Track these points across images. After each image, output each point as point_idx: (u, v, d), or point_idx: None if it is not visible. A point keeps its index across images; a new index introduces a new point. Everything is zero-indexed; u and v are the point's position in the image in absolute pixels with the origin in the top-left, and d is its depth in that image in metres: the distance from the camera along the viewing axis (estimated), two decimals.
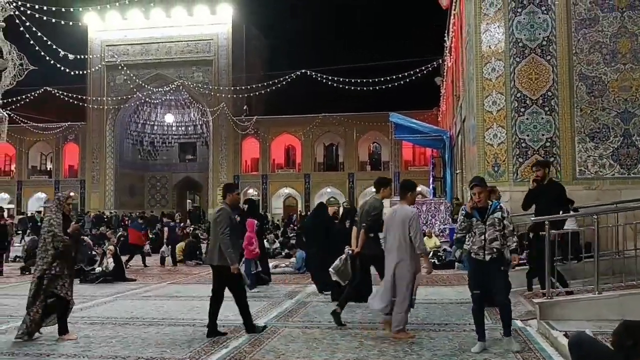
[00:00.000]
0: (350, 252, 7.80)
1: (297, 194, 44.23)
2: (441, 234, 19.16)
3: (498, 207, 5.94)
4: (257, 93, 35.64)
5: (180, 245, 17.30)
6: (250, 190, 44.15)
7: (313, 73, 29.71)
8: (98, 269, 12.67)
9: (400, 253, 6.46)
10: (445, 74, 28.65)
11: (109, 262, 12.62)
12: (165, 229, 19.09)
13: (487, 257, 5.78)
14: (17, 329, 6.62)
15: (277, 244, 18.53)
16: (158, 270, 15.04)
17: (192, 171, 48.19)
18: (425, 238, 12.25)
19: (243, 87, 38.32)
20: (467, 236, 6.05)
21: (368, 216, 7.41)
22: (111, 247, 13.09)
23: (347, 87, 29.73)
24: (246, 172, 43.97)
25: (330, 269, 7.93)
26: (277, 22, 49.57)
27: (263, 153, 43.39)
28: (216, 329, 6.73)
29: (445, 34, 25.16)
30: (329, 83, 29.59)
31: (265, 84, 34.31)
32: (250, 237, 10.55)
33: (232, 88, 39.87)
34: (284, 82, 31.85)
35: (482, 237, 5.80)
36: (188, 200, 50.94)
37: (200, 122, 46.77)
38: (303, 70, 29.87)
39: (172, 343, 6.36)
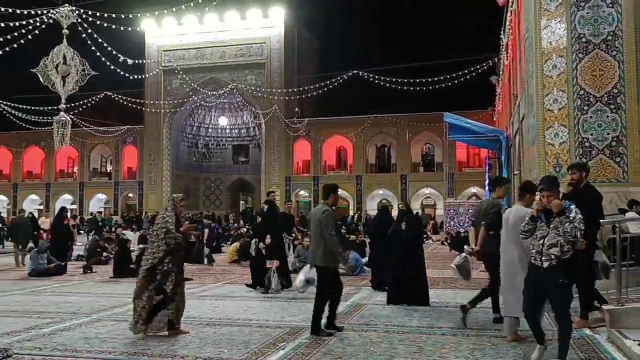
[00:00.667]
0: (470, 250, 7.80)
1: (348, 196, 44.07)
2: None
3: (568, 208, 5.34)
4: (308, 95, 35.76)
5: (235, 246, 17.52)
6: (302, 192, 44.37)
7: (365, 74, 29.56)
8: None
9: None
10: (501, 72, 27.92)
11: None
12: (206, 230, 19.37)
13: (545, 264, 5.27)
14: (131, 319, 6.85)
15: None
16: (197, 269, 15.10)
17: (245, 173, 48.83)
18: None
19: (295, 89, 38.56)
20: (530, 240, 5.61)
21: (486, 214, 7.34)
22: None
23: (399, 87, 29.42)
24: (297, 173, 44.17)
25: (451, 265, 7.91)
26: (329, 23, 49.59)
27: (314, 154, 43.48)
28: (320, 328, 6.79)
29: (502, 31, 24.51)
30: (381, 83, 29.36)
31: (316, 85, 34.38)
32: None
33: (284, 90, 40.14)
34: (336, 84, 31.83)
35: (542, 241, 5.33)
36: (241, 202, 51.67)
37: (252, 125, 47.37)
38: (355, 71, 29.75)
39: (229, 343, 6.38)
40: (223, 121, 48.40)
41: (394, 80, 29.13)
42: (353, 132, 42.20)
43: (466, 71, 27.50)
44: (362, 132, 41.93)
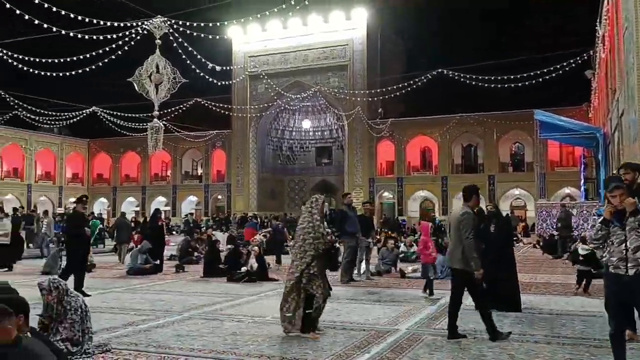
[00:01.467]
0: None
1: (433, 197, 43.28)
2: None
3: None
4: (392, 95, 35.44)
5: None
6: (386, 194, 44.03)
7: (450, 72, 28.88)
8: (243, 269, 13.26)
9: None
10: (597, 65, 26.36)
11: (254, 263, 13.17)
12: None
13: (632, 272, 4.63)
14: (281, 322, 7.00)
15: (414, 248, 18.17)
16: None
17: (328, 174, 49.18)
18: (579, 243, 11.35)
19: (378, 90, 38.36)
20: (605, 247, 4.95)
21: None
22: (255, 248, 13.63)
23: (485, 85, 28.48)
24: (381, 174, 43.90)
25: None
26: (412, 23, 48.92)
27: (398, 155, 43.04)
28: (456, 331, 6.68)
29: (597, 22, 23.13)
30: (467, 82, 28.55)
31: (400, 85, 34.02)
32: (425, 240, 10.42)
33: (367, 91, 40.05)
34: (420, 83, 31.32)
35: (622, 246, 4.70)
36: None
37: (335, 127, 47.64)
38: (439, 70, 29.14)
39: (314, 344, 6.39)
40: (306, 124, 49.04)
41: (480, 77, 28.24)
42: (438, 132, 41.39)
43: (558, 66, 26.15)
44: (447, 131, 41.04)
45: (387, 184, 43.58)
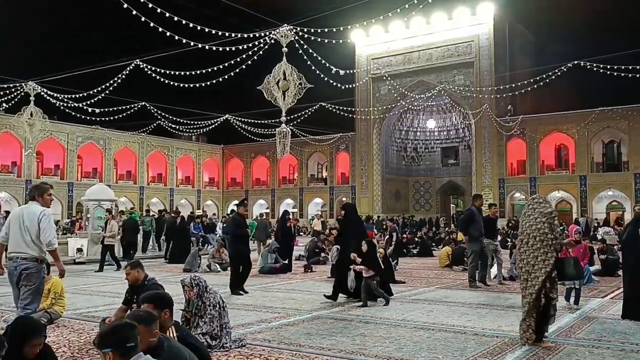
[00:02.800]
0: None
1: (570, 198, 40.48)
2: None
3: None
4: (522, 91, 33.70)
5: (447, 250, 17.21)
6: (517, 195, 41.95)
7: (587, 64, 26.84)
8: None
9: None
10: None
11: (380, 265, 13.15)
12: (394, 233, 19.38)
13: None
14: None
15: None
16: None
17: (455, 175, 47.91)
18: None
19: (506, 86, 36.69)
20: None
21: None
22: (381, 250, 13.61)
23: (629, 75, 26.10)
24: (511, 175, 41.89)
25: None
26: (543, 14, 46.24)
27: (530, 154, 40.81)
28: None
29: None
30: (607, 72, 26.35)
31: (531, 80, 32.24)
32: (584, 246, 9.95)
33: (495, 88, 38.45)
34: (553, 77, 29.44)
35: None
36: (452, 205, 50.78)
37: (461, 126, 46.31)
38: (575, 62, 27.19)
39: (444, 349, 6.24)
40: (431, 124, 48.19)
41: (623, 67, 25.94)
42: (575, 128, 38.70)
43: None
44: (585, 127, 38.24)
45: (519, 184, 41.49)
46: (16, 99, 28.41)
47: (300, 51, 21.93)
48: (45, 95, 27.63)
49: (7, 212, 16.37)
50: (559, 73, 28.65)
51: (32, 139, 30.07)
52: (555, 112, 39.75)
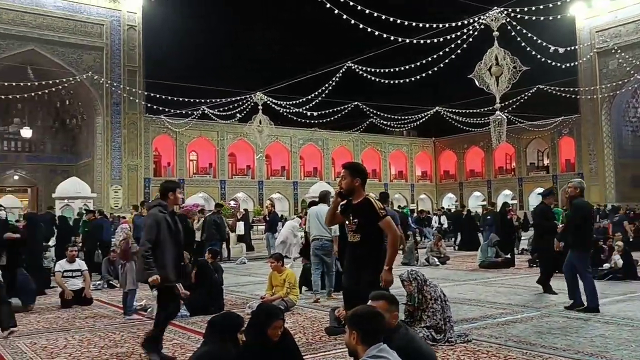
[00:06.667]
0: None
1: None
2: None
3: None
4: None
5: None
6: None
7: None
8: (606, 265, 12.06)
9: None
10: None
11: (617, 259, 11.82)
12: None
13: None
14: None
15: None
16: None
17: None
18: None
19: None
20: None
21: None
22: (619, 243, 12.22)
23: None
24: None
25: None
26: None
27: None
28: None
29: None
30: None
31: None
32: None
33: None
34: None
35: None
36: None
37: None
38: None
39: None
40: None
41: None
42: None
43: None
44: None
45: None
46: (247, 109, 31.84)
47: (513, 33, 20.78)
48: (270, 104, 30.47)
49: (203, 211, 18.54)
50: None
51: (261, 144, 33.25)
52: None
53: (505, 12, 19.49)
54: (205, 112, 34.10)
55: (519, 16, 19.75)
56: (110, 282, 12.03)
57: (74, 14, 35.46)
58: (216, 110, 33.84)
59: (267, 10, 69.80)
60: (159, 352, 5.77)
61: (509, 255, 14.96)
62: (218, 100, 33.43)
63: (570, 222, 8.49)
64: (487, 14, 19.51)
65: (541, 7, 20.56)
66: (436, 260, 15.69)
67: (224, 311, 7.27)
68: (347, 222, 5.65)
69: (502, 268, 14.16)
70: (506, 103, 27.91)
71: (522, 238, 21.01)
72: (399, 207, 33.04)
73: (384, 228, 5.28)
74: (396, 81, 25.28)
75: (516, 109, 33.22)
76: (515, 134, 42.86)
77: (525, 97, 32.55)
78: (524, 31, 21.36)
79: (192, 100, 31.67)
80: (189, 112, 35.39)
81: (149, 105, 34.65)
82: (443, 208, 39.55)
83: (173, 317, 6.33)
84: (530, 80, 28.63)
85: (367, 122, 40.11)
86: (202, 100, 32.72)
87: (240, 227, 21.46)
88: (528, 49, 22.61)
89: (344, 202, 5.56)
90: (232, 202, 38.78)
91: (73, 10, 35.43)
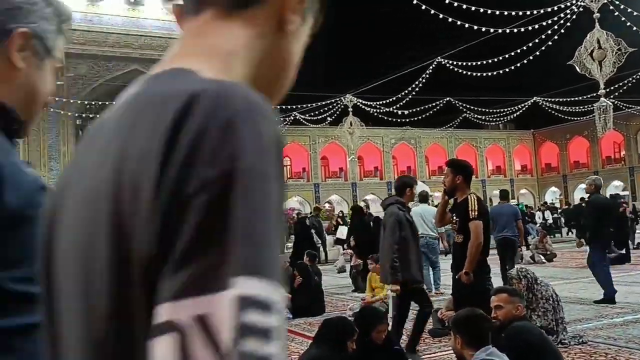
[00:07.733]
0: None
1: None
2: None
3: None
4: None
5: None
6: None
7: None
8: None
9: None
10: None
11: None
12: None
13: None
14: None
15: None
16: None
17: None
18: None
19: None
20: None
21: None
22: None
23: None
24: None
25: None
26: None
27: None
28: None
29: None
30: None
31: None
32: None
33: None
34: None
35: None
36: None
37: None
38: None
39: None
40: None
41: None
42: None
43: None
44: None
45: None
46: (337, 112, 32.10)
47: (617, 13, 19.46)
48: (360, 105, 30.54)
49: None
50: None
51: (353, 146, 33.36)
52: None
53: None
54: (297, 117, 34.75)
55: None
56: None
57: (171, 32, 37.45)
58: (307, 115, 34.38)
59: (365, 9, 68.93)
60: None
61: (623, 251, 13.98)
62: (308, 105, 33.97)
63: (587, 217, 9.12)
64: None
65: None
66: (542, 257, 14.97)
67: (336, 315, 7.31)
68: (451, 222, 5.55)
69: (617, 264, 13.24)
70: (611, 88, 26.14)
71: (637, 232, 19.66)
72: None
73: (471, 230, 5.08)
74: (489, 73, 24.46)
75: (623, 93, 31.03)
76: (624, 121, 40.00)
77: (633, 81, 30.34)
78: (629, 10, 19.92)
79: (283, 107, 32.39)
80: (282, 119, 36.19)
81: None
82: (546, 203, 37.71)
83: None
84: (637, 63, 26.66)
85: (461, 118, 39.08)
86: (294, 107, 33.39)
87: (343, 231, 21.38)
88: (634, 28, 21.07)
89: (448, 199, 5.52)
90: (326, 205, 39.25)
91: (170, 30, 37.43)
